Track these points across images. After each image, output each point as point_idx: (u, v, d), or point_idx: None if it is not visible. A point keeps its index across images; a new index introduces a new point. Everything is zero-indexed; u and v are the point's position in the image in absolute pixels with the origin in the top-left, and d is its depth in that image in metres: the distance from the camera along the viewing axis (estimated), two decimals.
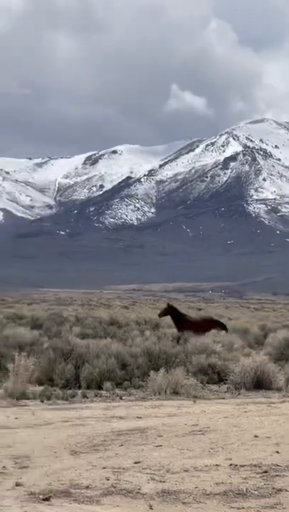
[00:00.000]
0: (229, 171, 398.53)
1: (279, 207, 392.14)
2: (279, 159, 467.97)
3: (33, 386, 13.27)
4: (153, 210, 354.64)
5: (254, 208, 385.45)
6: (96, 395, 12.96)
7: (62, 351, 14.40)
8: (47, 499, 5.61)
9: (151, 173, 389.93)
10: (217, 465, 7.02)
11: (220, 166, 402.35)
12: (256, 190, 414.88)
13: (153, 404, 12.00)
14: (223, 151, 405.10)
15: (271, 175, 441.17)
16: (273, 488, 6.07)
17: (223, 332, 19.10)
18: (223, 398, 13.14)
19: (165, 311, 21.11)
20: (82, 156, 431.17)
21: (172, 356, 14.91)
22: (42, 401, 12.14)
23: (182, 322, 19.73)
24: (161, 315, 21.98)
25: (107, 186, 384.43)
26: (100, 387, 13.51)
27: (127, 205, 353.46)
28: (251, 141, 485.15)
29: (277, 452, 7.66)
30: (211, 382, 14.74)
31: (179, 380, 12.91)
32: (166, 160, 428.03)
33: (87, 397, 12.71)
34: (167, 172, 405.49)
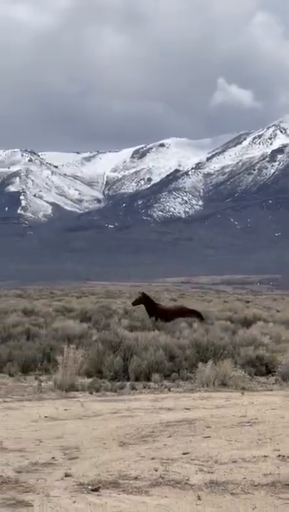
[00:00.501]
0: (277, 163, 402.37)
1: None
2: None
3: (81, 378, 13.29)
4: (201, 202, 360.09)
5: None
6: (144, 387, 12.98)
7: (111, 343, 14.50)
8: (96, 490, 5.69)
9: (198, 166, 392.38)
10: (265, 456, 7.03)
11: (267, 159, 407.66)
12: None
13: (201, 396, 12.02)
14: (271, 144, 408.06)
15: None
16: None
17: (197, 320, 19.30)
18: (271, 390, 13.00)
19: (139, 299, 21.56)
20: (130, 150, 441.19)
21: (220, 348, 14.75)
22: (91, 393, 12.17)
23: (154, 310, 20.22)
24: (134, 303, 22.57)
25: (155, 179, 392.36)
26: (148, 379, 13.54)
27: (174, 198, 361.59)
28: None
29: None
30: (258, 374, 14.55)
31: (227, 372, 12.85)
32: (214, 153, 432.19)
33: (136, 389, 12.77)
34: (215, 165, 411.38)
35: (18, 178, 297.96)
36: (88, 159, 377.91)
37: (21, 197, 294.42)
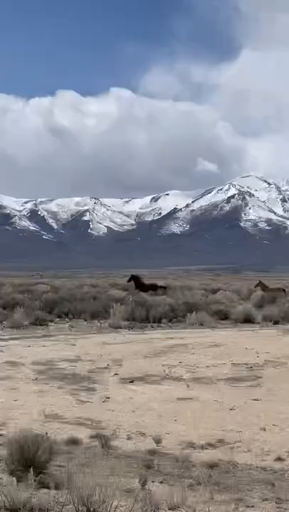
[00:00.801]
0: (230, 204, 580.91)
1: None
2: None
3: (123, 321, 21.64)
4: (188, 226, 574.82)
5: None
6: (158, 327, 21.88)
7: (139, 302, 24.76)
8: (131, 382, 11.35)
9: (187, 206, 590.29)
10: (224, 363, 13.25)
11: (224, 202, 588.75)
12: None
13: (189, 331, 20.19)
14: (227, 193, 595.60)
15: None
16: (255, 376, 11.94)
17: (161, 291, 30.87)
18: (228, 328, 21.41)
19: (129, 279, 33.20)
20: (149, 197, 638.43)
21: (199, 305, 24.94)
22: (128, 329, 20.88)
23: (138, 285, 31.10)
24: (128, 281, 34.33)
25: (164, 213, 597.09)
26: (160, 322, 22.63)
27: (174, 223, 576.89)
28: None
29: (257, 357, 13.85)
30: (221, 319, 23.31)
31: (203, 318, 21.86)
32: (195, 199, 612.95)
33: (153, 328, 21.73)
34: (196, 205, 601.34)
35: (88, 213, 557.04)
36: (127, 202, 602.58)
37: (90, 223, 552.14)
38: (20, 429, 6.41)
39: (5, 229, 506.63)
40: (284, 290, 32.23)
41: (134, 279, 31.24)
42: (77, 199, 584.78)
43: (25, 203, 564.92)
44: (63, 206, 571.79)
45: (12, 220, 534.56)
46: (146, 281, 32.87)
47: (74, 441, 6.89)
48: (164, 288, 30.86)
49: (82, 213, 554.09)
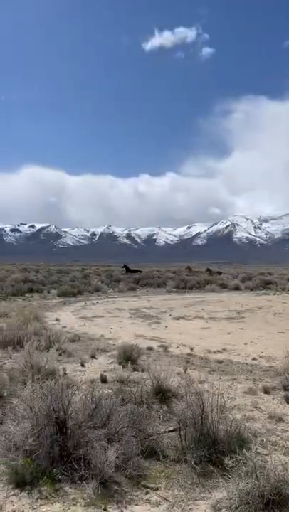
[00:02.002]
0: (226, 231, 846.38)
1: None
2: None
3: (174, 288, 31.26)
4: (204, 241, 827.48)
5: None
6: (190, 292, 32.75)
7: (180, 279, 34.30)
8: (178, 319, 15.35)
9: (203, 231, 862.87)
10: (224, 310, 18.20)
11: (227, 231, 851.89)
12: None
13: (206, 294, 30.51)
14: (226, 225, 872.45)
15: None
16: (240, 316, 16.30)
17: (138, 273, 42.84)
18: (226, 292, 31.67)
19: (123, 266, 48.02)
20: (184, 227, 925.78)
21: (211, 280, 36.35)
22: (176, 293, 29.79)
23: (128, 269, 45.38)
24: (122, 267, 47.84)
25: (189, 237, 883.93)
26: (191, 289, 33.66)
27: (197, 240, 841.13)
28: None
29: (242, 307, 19.03)
30: (222, 288, 34.26)
31: (214, 287, 34.12)
32: (206, 227, 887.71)
33: (188, 292, 29.98)
34: (207, 232, 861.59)
35: (155, 234, 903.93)
36: (174, 229, 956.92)
37: (156, 239, 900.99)
38: (123, 341, 9.80)
39: (114, 243, 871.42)
40: (220, 273, 47.12)
41: (125, 266, 47.06)
42: (150, 227, 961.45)
43: (124, 230, 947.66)
44: (143, 231, 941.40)
45: (117, 238, 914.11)
46: (131, 268, 47.67)
47: (150, 348, 9.83)
48: (140, 271, 45.04)
49: (153, 235, 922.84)
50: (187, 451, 4.43)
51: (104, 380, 7.07)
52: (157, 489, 3.99)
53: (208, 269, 48.35)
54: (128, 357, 8.19)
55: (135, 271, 44.97)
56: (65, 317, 15.28)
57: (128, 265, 48.18)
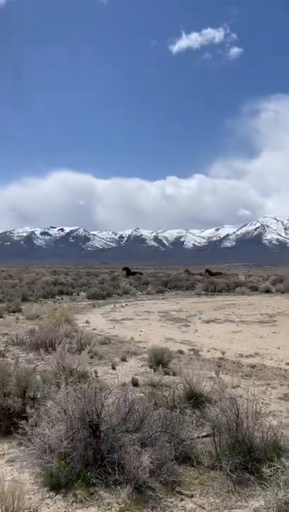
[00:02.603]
0: (256, 232, 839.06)
1: None
2: None
3: (203, 291, 31.32)
4: (233, 243, 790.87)
5: None
6: (220, 294, 32.34)
7: (210, 281, 36.62)
8: (208, 322, 15.18)
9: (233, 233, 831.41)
10: (255, 313, 17.89)
11: (256, 233, 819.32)
12: None
13: (236, 297, 30.00)
14: (255, 227, 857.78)
15: None
16: (272, 320, 16.11)
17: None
18: (257, 295, 31.76)
19: (123, 269, 47.53)
20: (212, 229, 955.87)
21: (241, 282, 35.84)
22: (205, 295, 29.58)
23: (127, 273, 44.42)
24: (122, 270, 47.72)
25: (217, 239, 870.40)
26: (220, 292, 33.12)
27: (226, 243, 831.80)
28: None
29: (273, 310, 18.83)
30: (253, 290, 34.55)
31: (243, 290, 35.11)
32: (236, 229, 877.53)
33: (217, 295, 30.23)
34: (237, 233, 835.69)
35: (183, 236, 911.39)
36: (202, 231, 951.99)
37: (184, 241, 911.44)
38: (153, 344, 9.81)
39: (141, 246, 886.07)
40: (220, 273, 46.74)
41: (126, 268, 46.89)
42: (177, 229, 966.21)
43: (152, 232, 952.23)
44: (171, 233, 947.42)
45: (145, 241, 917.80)
46: (132, 270, 47.85)
47: (180, 352, 9.83)
48: (141, 273, 46.19)
49: (180, 237, 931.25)
50: (222, 457, 4.34)
51: (135, 384, 7.04)
52: (192, 496, 3.92)
53: (207, 270, 48.17)
54: (159, 360, 8.13)
55: (136, 273, 45.45)
56: (95, 319, 15.38)
57: (127, 267, 48.47)
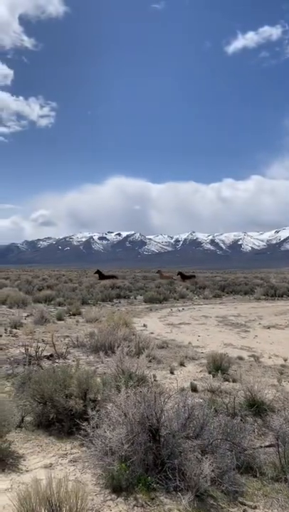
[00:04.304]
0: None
1: None
2: None
3: (263, 295, 30.68)
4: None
5: None
6: (281, 299, 30.76)
7: (271, 286, 38.52)
8: (269, 328, 14.66)
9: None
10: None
11: None
12: None
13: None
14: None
15: None
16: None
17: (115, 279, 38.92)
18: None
19: (96, 272, 45.16)
20: (272, 231, 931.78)
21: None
22: (265, 300, 28.59)
23: (100, 276, 41.35)
24: (95, 273, 45.61)
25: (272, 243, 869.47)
26: (282, 296, 26.15)
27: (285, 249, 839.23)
28: None
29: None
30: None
31: None
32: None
33: (278, 299, 28.64)
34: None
35: (241, 239, 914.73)
36: (261, 233, 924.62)
37: (242, 245, 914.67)
38: (212, 349, 9.75)
39: (197, 249, 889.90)
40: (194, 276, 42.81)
41: (98, 272, 44.31)
42: (235, 232, 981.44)
43: (208, 235, 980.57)
44: (228, 236, 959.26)
45: (201, 244, 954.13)
46: (106, 274, 45.01)
47: (240, 358, 9.62)
48: (116, 277, 42.27)
49: (238, 240, 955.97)
50: (287, 469, 4.16)
51: (194, 389, 6.96)
52: (255, 507, 3.80)
53: (180, 273, 45.31)
54: (218, 366, 8.00)
55: (110, 277, 41.84)
56: (152, 323, 15.42)
57: (99, 271, 45.42)
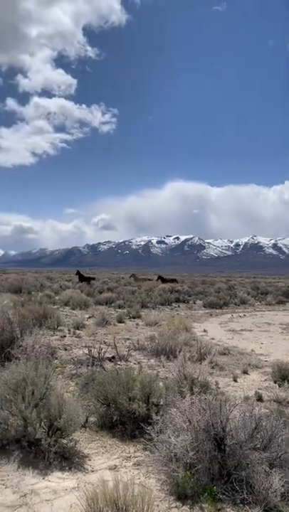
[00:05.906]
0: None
1: None
2: None
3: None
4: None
5: None
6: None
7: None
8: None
9: None
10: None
11: None
12: None
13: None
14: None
15: None
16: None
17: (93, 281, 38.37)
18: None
19: (76, 273, 42.97)
20: None
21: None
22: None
23: (82, 278, 39.30)
24: (76, 274, 43.17)
25: None
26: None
27: None
28: None
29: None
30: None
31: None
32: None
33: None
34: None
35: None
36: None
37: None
38: (276, 358, 9.53)
39: (258, 254, 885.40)
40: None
41: (78, 273, 42.17)
42: None
43: (270, 240, 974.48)
44: None
45: (263, 249, 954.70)
46: (86, 275, 43.23)
47: None
48: (94, 278, 41.68)
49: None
50: None
51: (259, 399, 6.74)
52: None
53: (160, 277, 41.69)
54: (284, 376, 7.69)
55: (89, 278, 40.46)
56: (213, 329, 15.20)
57: (79, 272, 43.29)
